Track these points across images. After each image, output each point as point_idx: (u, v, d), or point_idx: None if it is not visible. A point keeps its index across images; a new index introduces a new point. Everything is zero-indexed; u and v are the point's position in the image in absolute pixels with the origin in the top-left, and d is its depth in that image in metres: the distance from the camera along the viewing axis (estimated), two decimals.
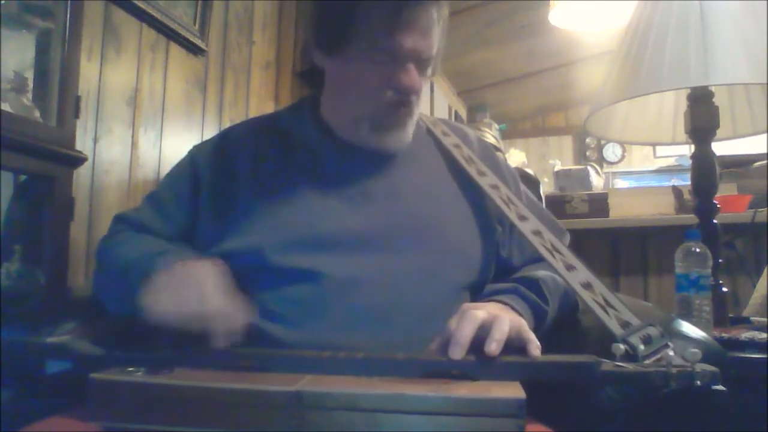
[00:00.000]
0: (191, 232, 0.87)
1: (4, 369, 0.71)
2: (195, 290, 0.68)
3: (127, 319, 0.80)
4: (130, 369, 0.60)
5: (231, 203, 0.84)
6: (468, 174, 0.90)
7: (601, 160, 5.08)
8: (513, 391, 0.55)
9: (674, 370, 0.58)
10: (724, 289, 1.28)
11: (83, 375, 0.58)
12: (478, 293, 0.86)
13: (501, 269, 0.91)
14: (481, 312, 0.65)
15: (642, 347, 0.64)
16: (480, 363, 0.61)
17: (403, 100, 0.81)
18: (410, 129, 0.86)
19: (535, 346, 0.64)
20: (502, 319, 0.64)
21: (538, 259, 0.89)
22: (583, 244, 2.23)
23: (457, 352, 0.62)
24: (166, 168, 1.54)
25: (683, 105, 1.35)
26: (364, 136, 0.84)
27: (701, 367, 0.59)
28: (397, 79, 0.79)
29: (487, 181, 0.89)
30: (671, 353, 0.62)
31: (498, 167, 0.95)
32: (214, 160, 0.89)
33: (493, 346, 0.61)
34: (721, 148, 1.38)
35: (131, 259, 0.79)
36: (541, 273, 0.84)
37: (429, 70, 0.84)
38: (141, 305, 0.69)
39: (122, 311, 0.81)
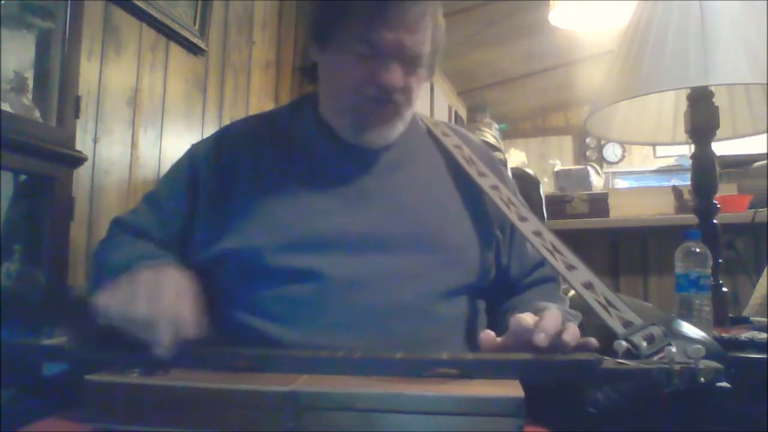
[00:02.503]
0: (189, 232, 0.87)
1: (3, 370, 0.71)
2: (146, 293, 0.66)
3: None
4: (126, 370, 0.60)
5: (229, 202, 0.84)
6: (468, 175, 0.89)
7: (601, 160, 5.08)
8: (512, 390, 0.55)
9: (677, 367, 0.57)
10: (724, 289, 1.28)
11: (80, 376, 0.57)
12: (476, 295, 0.86)
13: (500, 277, 0.91)
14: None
15: (645, 345, 0.64)
16: (479, 362, 0.61)
17: (385, 96, 0.81)
18: (397, 126, 0.85)
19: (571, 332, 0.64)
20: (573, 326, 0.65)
21: (539, 280, 0.90)
22: (583, 244, 2.23)
23: (543, 339, 0.61)
24: (166, 168, 1.54)
25: (683, 105, 1.35)
26: (347, 131, 0.84)
27: (704, 363, 0.57)
28: (378, 75, 0.79)
29: (487, 182, 0.88)
30: (674, 350, 0.62)
31: (498, 169, 0.95)
32: (212, 158, 0.89)
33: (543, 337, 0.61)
34: (721, 148, 1.38)
35: (118, 264, 0.78)
36: (546, 305, 0.82)
37: (422, 69, 0.83)
38: (92, 302, 0.67)
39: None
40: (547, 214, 1.52)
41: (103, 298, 0.67)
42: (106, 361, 0.64)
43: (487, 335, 0.68)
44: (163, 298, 0.66)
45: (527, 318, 0.66)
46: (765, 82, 1.19)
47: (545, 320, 0.63)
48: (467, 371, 0.60)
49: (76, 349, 0.69)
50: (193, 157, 0.91)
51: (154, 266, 0.72)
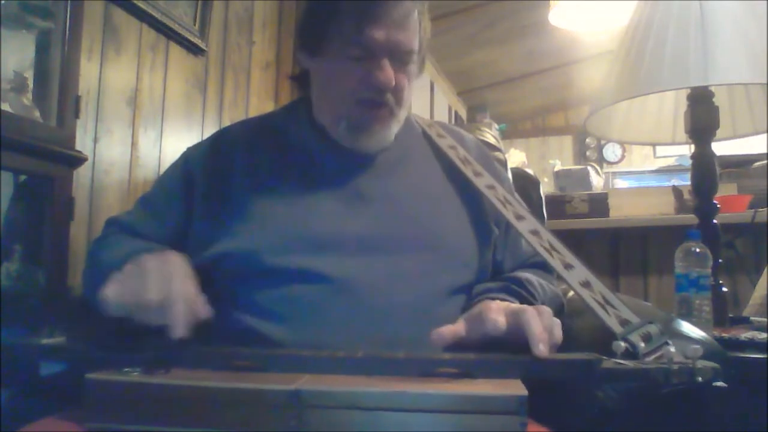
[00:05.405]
0: (185, 233, 0.86)
1: (3, 370, 0.71)
2: (157, 277, 0.66)
3: (119, 318, 0.80)
4: (126, 369, 0.60)
5: (225, 204, 0.84)
6: (464, 175, 0.89)
7: (601, 160, 5.08)
8: (514, 388, 0.55)
9: (675, 367, 0.58)
10: (724, 289, 1.28)
11: (80, 375, 0.57)
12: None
13: (495, 272, 0.91)
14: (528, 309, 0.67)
15: (642, 344, 0.64)
16: (480, 362, 0.61)
17: (380, 98, 0.81)
18: (392, 129, 0.85)
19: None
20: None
21: (529, 265, 0.91)
22: (583, 244, 2.23)
23: (544, 350, 0.61)
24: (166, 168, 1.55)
25: (683, 105, 1.35)
26: (343, 136, 0.84)
27: (702, 363, 0.58)
28: (372, 76, 0.79)
29: (483, 182, 0.89)
30: (672, 349, 0.62)
31: (494, 168, 0.95)
32: (208, 160, 0.89)
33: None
34: (721, 148, 1.38)
35: (113, 258, 0.77)
36: (526, 274, 0.85)
37: (412, 66, 0.83)
38: (100, 297, 0.67)
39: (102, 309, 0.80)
40: (547, 214, 1.52)
41: (111, 289, 0.67)
42: (106, 359, 0.63)
43: (438, 334, 0.68)
44: (173, 280, 0.66)
45: (499, 317, 0.67)
46: (765, 82, 1.19)
47: (535, 327, 0.63)
48: (469, 370, 0.60)
49: (77, 348, 0.68)
50: (188, 159, 0.91)
51: (157, 253, 0.72)
